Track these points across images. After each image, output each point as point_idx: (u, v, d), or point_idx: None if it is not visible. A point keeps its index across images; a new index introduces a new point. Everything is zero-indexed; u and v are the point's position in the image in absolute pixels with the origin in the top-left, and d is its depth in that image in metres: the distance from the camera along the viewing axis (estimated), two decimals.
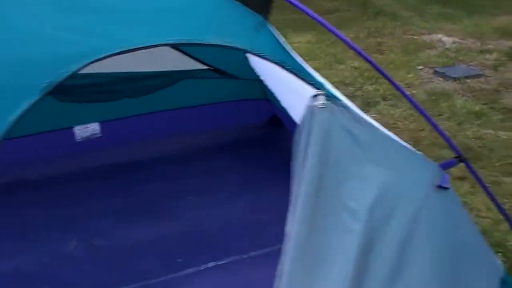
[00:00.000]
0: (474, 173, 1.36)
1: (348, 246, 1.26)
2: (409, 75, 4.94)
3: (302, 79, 1.25)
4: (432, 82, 4.81)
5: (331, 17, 7.33)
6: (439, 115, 4.02)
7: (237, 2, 1.28)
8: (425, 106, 4.12)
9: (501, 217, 2.66)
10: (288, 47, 1.35)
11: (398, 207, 1.26)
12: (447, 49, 5.73)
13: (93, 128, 2.90)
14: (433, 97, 4.37)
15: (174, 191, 2.79)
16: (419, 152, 1.29)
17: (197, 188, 2.80)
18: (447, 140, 1.34)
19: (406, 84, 4.75)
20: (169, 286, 2.23)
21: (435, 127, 1.35)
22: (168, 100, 2.90)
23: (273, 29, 1.36)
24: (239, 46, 1.19)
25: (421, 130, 3.77)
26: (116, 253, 2.38)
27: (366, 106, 4.25)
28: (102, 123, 2.92)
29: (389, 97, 4.43)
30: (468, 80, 4.78)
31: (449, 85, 4.69)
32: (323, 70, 5.15)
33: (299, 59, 1.30)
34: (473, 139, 3.60)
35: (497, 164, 3.24)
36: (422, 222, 1.27)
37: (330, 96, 1.25)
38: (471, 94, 4.45)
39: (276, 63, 1.23)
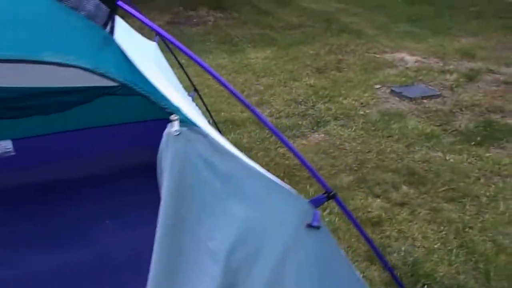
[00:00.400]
0: (344, 209, 1.29)
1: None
2: (365, 94, 4.94)
3: (154, 102, 1.16)
4: (388, 102, 4.81)
5: (295, 32, 7.37)
6: (389, 136, 4.00)
7: (80, 15, 1.18)
8: (376, 127, 4.12)
9: (435, 246, 2.63)
10: (143, 66, 1.26)
11: (263, 248, 1.18)
12: (408, 68, 5.77)
13: (5, 145, 2.77)
14: (386, 118, 4.36)
15: (88, 215, 2.67)
16: (288, 187, 1.22)
17: (113, 211, 2.69)
18: (316, 176, 1.26)
19: (361, 103, 4.74)
20: None
21: (302, 161, 1.28)
22: (87, 117, 2.79)
23: (126, 44, 1.26)
24: (81, 65, 1.10)
25: (368, 152, 3.73)
26: (15, 284, 2.24)
27: (315, 126, 4.22)
28: (16, 140, 2.79)
29: (341, 116, 4.41)
30: (425, 101, 4.79)
31: (404, 105, 4.69)
32: (277, 87, 5.13)
33: (154, 80, 1.21)
34: (420, 163, 3.57)
35: (440, 190, 3.20)
36: (290, 265, 1.18)
37: (186, 122, 1.16)
38: (426, 115, 4.45)
39: (123, 84, 1.14)
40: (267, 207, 1.20)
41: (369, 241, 1.35)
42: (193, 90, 3.24)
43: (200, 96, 3.35)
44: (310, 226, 1.19)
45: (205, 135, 1.18)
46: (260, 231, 1.19)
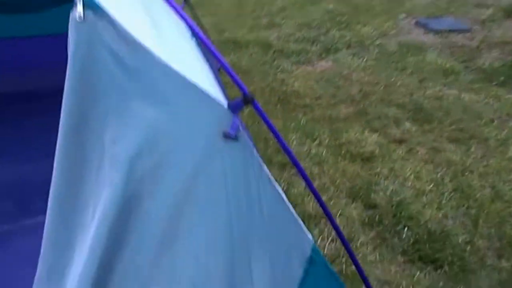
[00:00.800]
0: (261, 114, 1.10)
1: (107, 201, 1.03)
2: (387, 24, 4.58)
3: None
4: (410, 33, 4.46)
5: None
6: (403, 69, 3.71)
7: None
8: (390, 59, 3.83)
9: (427, 188, 2.45)
10: None
11: (173, 157, 1.01)
12: None
13: None
14: (404, 49, 4.04)
15: (49, 127, 2.57)
16: (206, 89, 1.03)
17: None
18: (233, 77, 1.07)
19: (380, 32, 4.41)
20: (25, 232, 2.06)
21: (220, 61, 1.08)
22: (57, 22, 2.60)
23: None
24: None
25: (376, 84, 3.48)
26: None
27: (324, 53, 3.95)
28: None
29: (354, 45, 4.11)
30: (451, 35, 4.42)
31: (427, 38, 4.34)
32: (292, 9, 4.82)
33: None
34: (431, 99, 3.31)
35: (447, 129, 2.96)
36: (203, 178, 1.02)
37: (92, 6, 0.97)
38: (449, 50, 4.11)
39: None
40: (180, 110, 1.02)
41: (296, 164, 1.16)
42: (183, 2, 3.01)
43: (193, 8, 3.11)
44: (227, 135, 1.02)
45: (113, 23, 0.99)
46: (170, 137, 1.02)
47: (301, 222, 1.23)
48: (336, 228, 1.25)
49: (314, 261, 1.20)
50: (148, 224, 1.05)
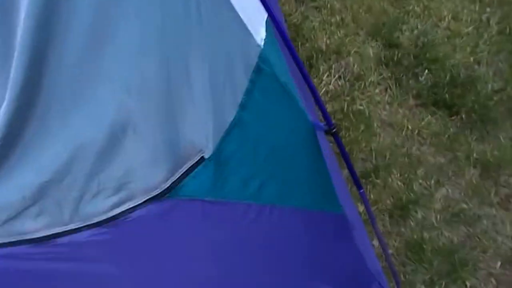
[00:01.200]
0: None
1: (27, 7, 0.86)
2: None
3: None
4: None
5: None
6: None
7: None
8: None
9: (464, 30, 2.12)
10: None
11: None
12: None
13: None
14: None
15: None
16: None
17: None
18: None
19: None
20: None
21: None
22: None
23: None
24: None
25: None
26: None
27: None
28: None
29: None
30: None
31: None
32: None
33: None
34: None
35: None
36: None
37: None
38: None
39: None
40: None
41: None
42: None
43: None
44: None
45: None
46: None
47: (251, 27, 1.00)
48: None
49: (261, 70, 0.99)
50: (77, 18, 0.88)
